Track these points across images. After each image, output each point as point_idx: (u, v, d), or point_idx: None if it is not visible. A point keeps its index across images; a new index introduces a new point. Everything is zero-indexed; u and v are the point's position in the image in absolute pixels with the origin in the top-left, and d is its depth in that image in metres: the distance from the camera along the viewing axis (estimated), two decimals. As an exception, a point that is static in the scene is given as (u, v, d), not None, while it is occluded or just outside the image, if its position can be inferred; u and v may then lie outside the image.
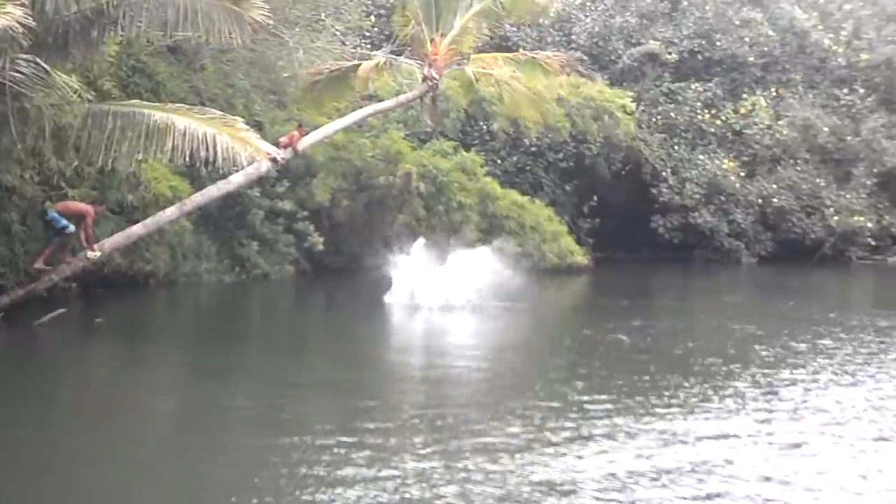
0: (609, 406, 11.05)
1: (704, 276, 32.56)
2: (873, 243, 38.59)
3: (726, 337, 17.04)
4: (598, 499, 7.78)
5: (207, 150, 15.52)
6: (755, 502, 7.81)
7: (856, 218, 37.76)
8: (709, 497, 7.85)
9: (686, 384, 12.44)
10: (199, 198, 19.80)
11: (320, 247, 26.87)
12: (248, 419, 10.96)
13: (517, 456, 8.89)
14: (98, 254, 17.41)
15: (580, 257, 31.60)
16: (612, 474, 8.35)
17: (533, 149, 35.26)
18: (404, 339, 18.06)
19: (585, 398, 11.55)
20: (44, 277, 16.80)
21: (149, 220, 18.94)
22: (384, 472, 8.31)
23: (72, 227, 16.77)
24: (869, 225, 38.10)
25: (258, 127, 22.62)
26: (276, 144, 19.69)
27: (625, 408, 11.04)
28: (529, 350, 16.54)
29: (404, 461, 8.71)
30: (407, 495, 7.78)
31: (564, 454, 8.98)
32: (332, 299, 23.34)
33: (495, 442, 9.38)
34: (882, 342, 16.42)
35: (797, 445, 9.50)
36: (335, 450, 9.06)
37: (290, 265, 26.73)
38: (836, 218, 37.60)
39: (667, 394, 11.79)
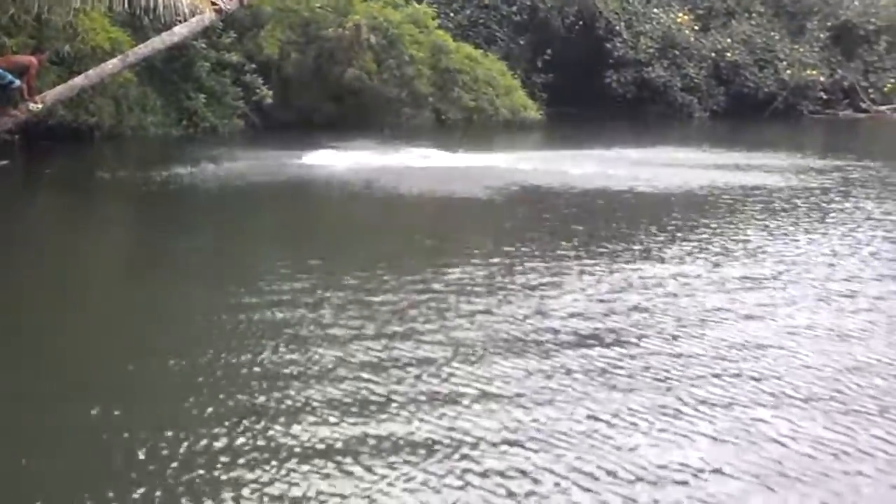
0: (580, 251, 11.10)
1: (656, 130, 32.51)
2: (825, 97, 38.76)
3: (674, 190, 17.09)
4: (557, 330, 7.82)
5: (148, -1, 15.13)
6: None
7: (808, 72, 37.78)
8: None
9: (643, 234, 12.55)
10: (143, 49, 19.27)
11: (269, 100, 26.43)
12: (191, 265, 10.95)
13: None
14: (41, 106, 16.99)
15: (533, 112, 31.45)
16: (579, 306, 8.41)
17: (486, 2, 34.65)
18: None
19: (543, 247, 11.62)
20: None
21: (91, 72, 18.46)
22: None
23: (17, 82, 16.30)
24: (821, 79, 38.16)
25: (202, -25, 22.00)
26: (222, -4, 19.11)
27: (595, 253, 11.06)
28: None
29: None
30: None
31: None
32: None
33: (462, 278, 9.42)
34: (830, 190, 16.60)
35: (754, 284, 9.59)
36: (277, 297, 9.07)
37: (238, 119, 26.35)
38: (788, 72, 37.59)
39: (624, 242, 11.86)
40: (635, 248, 11.39)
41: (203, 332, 7.95)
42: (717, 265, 10.37)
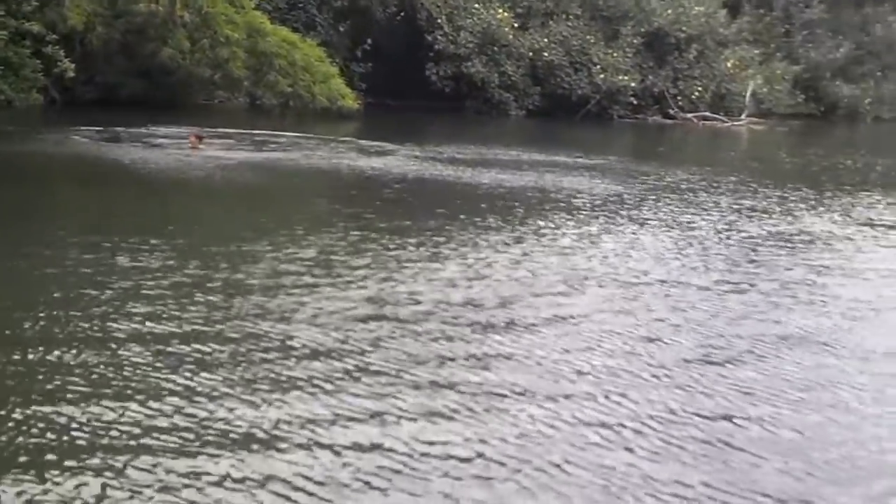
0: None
1: (472, 126, 32.76)
2: (635, 102, 39.89)
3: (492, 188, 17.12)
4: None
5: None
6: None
7: (620, 77, 38.76)
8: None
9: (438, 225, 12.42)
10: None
11: (71, 74, 25.07)
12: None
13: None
14: None
15: (351, 101, 31.02)
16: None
17: (307, -16, 34.05)
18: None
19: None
20: None
21: None
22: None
23: None
24: (633, 84, 39.22)
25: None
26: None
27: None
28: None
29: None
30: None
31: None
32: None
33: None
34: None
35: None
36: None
37: (38, 93, 24.94)
38: (602, 76, 38.46)
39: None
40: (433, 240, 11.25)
41: None
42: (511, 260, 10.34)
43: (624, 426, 6.00)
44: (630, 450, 5.68)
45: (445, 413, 6.06)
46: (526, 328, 7.97)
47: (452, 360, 7.09)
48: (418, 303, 8.49)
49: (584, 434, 5.88)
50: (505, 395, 6.42)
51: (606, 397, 6.50)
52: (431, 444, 5.57)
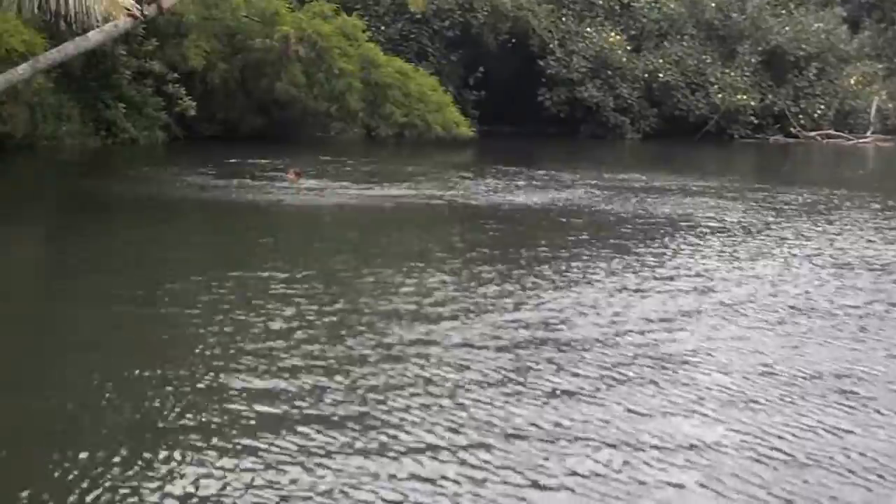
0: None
1: (588, 150, 32.30)
2: (755, 122, 38.89)
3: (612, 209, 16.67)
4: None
5: (58, 1, 14.32)
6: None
7: (739, 96, 37.85)
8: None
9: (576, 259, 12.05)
10: (55, 54, 18.36)
11: (192, 112, 25.53)
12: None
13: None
14: None
15: (465, 129, 30.93)
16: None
17: (418, 16, 34.10)
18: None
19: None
20: None
21: (-1, 77, 17.55)
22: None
23: None
24: (752, 103, 38.26)
25: (122, -19, 21.14)
26: (139, 0, 18.31)
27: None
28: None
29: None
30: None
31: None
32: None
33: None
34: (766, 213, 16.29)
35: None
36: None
37: (161, 130, 25.44)
38: (720, 95, 37.62)
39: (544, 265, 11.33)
40: (572, 268, 10.87)
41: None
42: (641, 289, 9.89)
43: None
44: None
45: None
46: (666, 356, 7.55)
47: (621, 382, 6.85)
48: (561, 329, 8.24)
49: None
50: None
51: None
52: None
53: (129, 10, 16.65)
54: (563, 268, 11.02)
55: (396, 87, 29.67)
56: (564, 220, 15.52)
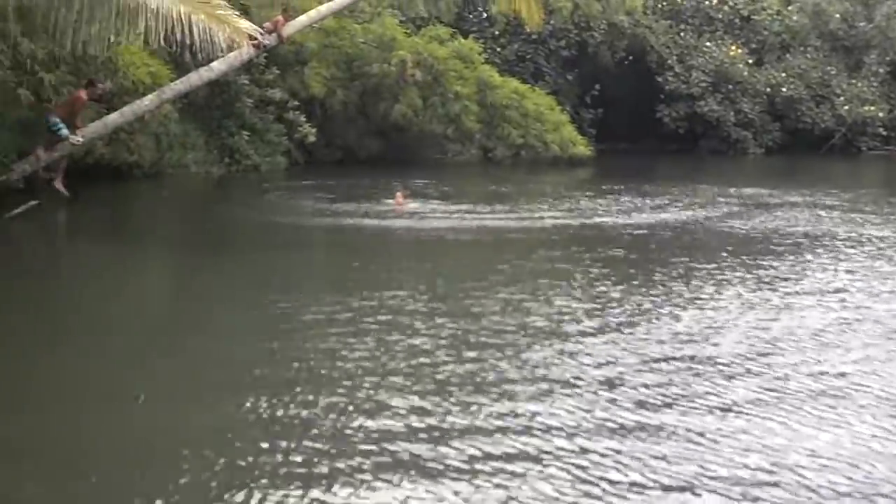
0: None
1: (710, 165, 31.69)
2: (884, 133, 37.62)
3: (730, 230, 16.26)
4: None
5: (183, 31, 14.64)
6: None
7: (867, 107, 36.72)
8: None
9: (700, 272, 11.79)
10: (180, 85, 18.96)
11: (312, 138, 25.98)
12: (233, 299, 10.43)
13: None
14: (81, 139, 16.90)
15: (583, 148, 30.70)
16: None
17: (534, 36, 34.10)
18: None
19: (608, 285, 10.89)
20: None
21: (126, 109, 18.12)
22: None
23: (66, 133, 16.43)
24: (880, 114, 37.06)
25: (244, 11, 21.62)
26: (261, 30, 18.75)
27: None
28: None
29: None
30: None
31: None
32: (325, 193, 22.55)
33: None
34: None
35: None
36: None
37: (282, 157, 25.93)
38: (846, 107, 36.56)
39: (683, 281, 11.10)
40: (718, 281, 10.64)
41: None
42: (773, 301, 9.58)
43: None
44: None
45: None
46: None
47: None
48: (703, 345, 8.14)
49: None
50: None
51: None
52: None
53: (251, 37, 17.00)
54: (699, 284, 10.79)
55: (513, 108, 29.68)
56: (693, 237, 15.22)
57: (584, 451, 5.76)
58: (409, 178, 22.36)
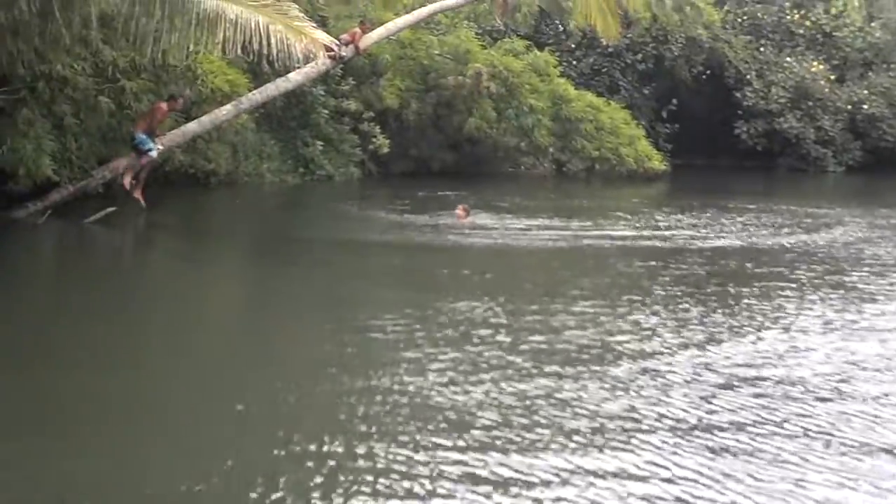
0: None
1: (789, 183, 31.12)
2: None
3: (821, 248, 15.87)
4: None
5: (261, 41, 14.79)
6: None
7: (954, 126, 35.72)
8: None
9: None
10: (257, 95, 19.18)
11: (386, 149, 26.04)
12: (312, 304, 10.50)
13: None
14: (161, 147, 17.17)
15: (658, 162, 30.32)
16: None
17: (610, 49, 33.85)
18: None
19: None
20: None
21: (204, 118, 18.38)
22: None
23: (154, 152, 16.81)
24: (967, 134, 36.03)
25: (322, 23, 21.81)
26: (338, 42, 18.89)
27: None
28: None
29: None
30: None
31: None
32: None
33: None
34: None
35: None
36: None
37: (355, 167, 26.03)
38: (931, 126, 35.63)
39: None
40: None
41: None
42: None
43: None
44: None
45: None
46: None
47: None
48: (791, 365, 7.98)
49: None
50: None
51: None
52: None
53: (328, 49, 17.10)
54: (780, 304, 10.63)
55: (587, 121, 29.44)
56: (773, 256, 14.87)
57: (679, 468, 5.66)
58: (482, 191, 22.30)
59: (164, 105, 17.04)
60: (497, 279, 12.78)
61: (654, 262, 14.09)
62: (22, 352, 8.21)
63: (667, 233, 17.11)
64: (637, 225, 18.14)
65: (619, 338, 8.81)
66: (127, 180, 16.85)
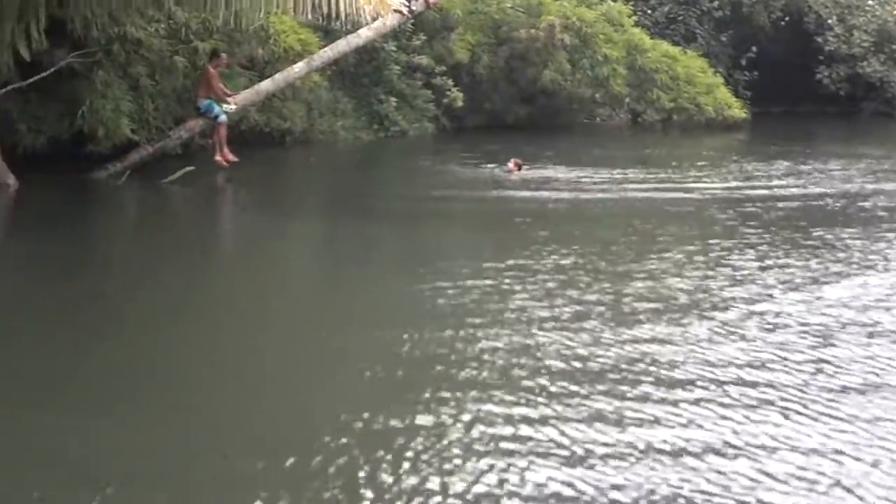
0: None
1: (874, 129, 30.24)
2: None
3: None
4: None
5: (330, 3, 14.77)
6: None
7: None
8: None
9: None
10: (329, 52, 19.06)
11: (460, 103, 25.75)
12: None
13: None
14: (234, 106, 17.18)
15: (738, 110, 29.60)
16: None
17: (685, -3, 33.06)
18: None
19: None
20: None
21: (277, 76, 18.37)
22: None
23: (223, 116, 16.89)
24: None
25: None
26: (407, -1, 18.66)
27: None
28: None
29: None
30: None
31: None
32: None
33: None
34: None
35: None
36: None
37: (429, 122, 25.84)
38: None
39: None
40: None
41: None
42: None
43: None
44: None
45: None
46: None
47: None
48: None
49: None
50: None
51: None
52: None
53: (397, 8, 16.94)
54: (883, 247, 10.22)
55: (663, 72, 28.82)
56: (868, 202, 14.37)
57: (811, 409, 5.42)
58: (557, 143, 22.03)
59: (210, 67, 16.99)
60: (585, 231, 12.55)
61: (750, 208, 13.69)
62: (124, 307, 8.26)
63: (756, 182, 16.66)
64: (724, 173, 17.70)
65: (722, 283, 8.57)
66: (203, 140, 16.94)
